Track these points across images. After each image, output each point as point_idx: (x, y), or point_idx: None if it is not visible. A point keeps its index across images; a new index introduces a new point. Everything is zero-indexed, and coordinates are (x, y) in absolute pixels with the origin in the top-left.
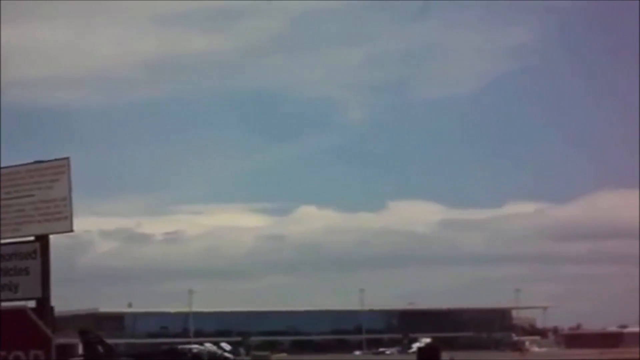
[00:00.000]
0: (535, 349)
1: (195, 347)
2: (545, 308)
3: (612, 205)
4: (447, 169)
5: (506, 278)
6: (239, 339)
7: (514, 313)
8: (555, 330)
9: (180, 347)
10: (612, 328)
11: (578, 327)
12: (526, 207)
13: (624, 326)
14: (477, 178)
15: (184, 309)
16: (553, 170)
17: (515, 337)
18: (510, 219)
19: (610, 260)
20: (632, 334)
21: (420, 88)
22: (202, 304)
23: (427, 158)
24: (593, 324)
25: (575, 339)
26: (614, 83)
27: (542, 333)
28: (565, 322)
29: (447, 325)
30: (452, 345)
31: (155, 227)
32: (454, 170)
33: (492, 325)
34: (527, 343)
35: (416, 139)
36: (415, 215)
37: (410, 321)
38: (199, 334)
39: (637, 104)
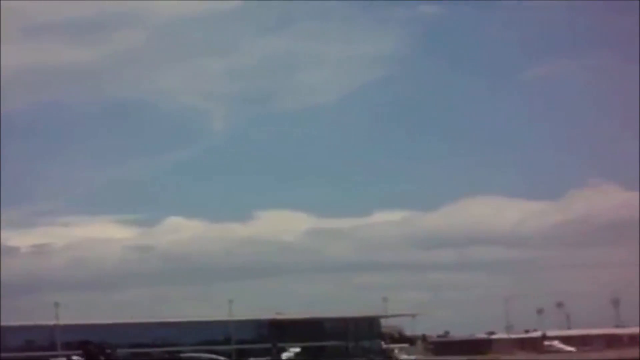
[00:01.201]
0: (404, 356)
1: (194, 355)
2: (413, 316)
3: (476, 212)
4: (314, 179)
5: (374, 286)
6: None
7: (382, 321)
8: (423, 338)
9: (182, 354)
10: (480, 335)
11: (446, 334)
12: (393, 215)
13: (492, 333)
14: (344, 187)
15: (51, 321)
16: (418, 178)
17: (384, 345)
18: (377, 227)
19: (476, 267)
20: (500, 341)
21: (284, 98)
22: (69, 317)
23: (293, 168)
24: (461, 331)
25: (444, 346)
26: (479, 91)
27: (410, 341)
28: (433, 330)
29: (315, 335)
30: (321, 354)
31: (22, 239)
32: (320, 180)
33: (361, 334)
34: (396, 351)
35: (282, 149)
36: (283, 225)
37: (279, 331)
38: (66, 346)
39: (505, 110)
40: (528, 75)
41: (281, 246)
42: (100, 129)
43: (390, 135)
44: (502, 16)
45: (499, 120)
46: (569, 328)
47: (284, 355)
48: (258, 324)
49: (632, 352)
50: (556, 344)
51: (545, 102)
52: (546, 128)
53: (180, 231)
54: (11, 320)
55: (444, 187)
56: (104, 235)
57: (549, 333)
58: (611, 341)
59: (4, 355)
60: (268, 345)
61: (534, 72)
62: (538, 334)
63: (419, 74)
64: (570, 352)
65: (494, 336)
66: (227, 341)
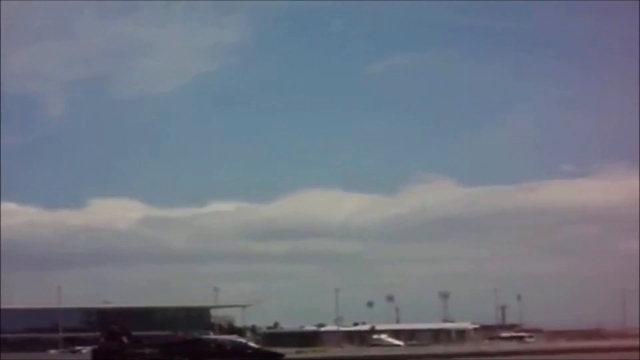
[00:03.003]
0: None
1: (219, 338)
2: (243, 307)
3: (311, 204)
4: (150, 168)
5: (206, 276)
6: None
7: (213, 311)
8: (253, 329)
9: (204, 337)
10: (310, 327)
11: (276, 326)
12: (228, 206)
13: (322, 325)
14: (180, 176)
15: None
16: (256, 170)
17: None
18: (211, 217)
19: (308, 259)
20: (329, 333)
21: (122, 85)
22: None
23: (127, 156)
24: (291, 323)
25: (274, 337)
26: (319, 85)
27: (240, 332)
28: (263, 321)
29: (145, 324)
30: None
31: None
32: (157, 169)
33: (191, 324)
34: None
35: (117, 137)
36: (117, 213)
37: (108, 319)
38: None
39: (345, 104)
40: (370, 70)
41: (115, 234)
42: None
43: (229, 126)
44: (348, 11)
45: (339, 114)
46: (398, 321)
47: None
48: (86, 312)
49: (460, 347)
50: (384, 337)
51: (384, 97)
52: (383, 122)
53: (12, 217)
54: None
55: (280, 179)
56: None
57: (378, 326)
58: (439, 335)
59: None
60: (96, 334)
61: (374, 68)
62: (367, 327)
63: (259, 65)
64: (397, 345)
65: (323, 328)
66: (54, 329)
